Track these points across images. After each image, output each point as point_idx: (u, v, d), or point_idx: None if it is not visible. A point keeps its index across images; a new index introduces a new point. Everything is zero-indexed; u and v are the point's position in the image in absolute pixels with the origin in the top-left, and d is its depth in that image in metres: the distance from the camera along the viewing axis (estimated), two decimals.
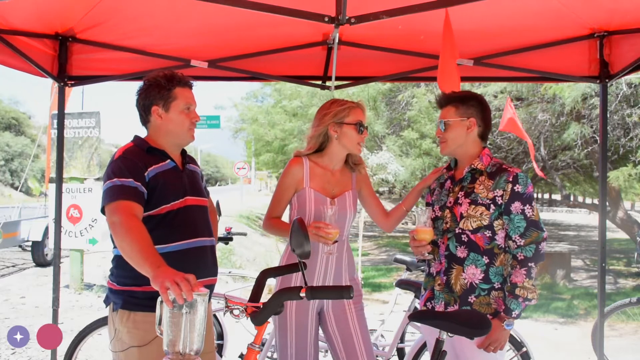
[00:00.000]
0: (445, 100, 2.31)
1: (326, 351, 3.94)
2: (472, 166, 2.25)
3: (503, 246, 2.18)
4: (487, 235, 2.16)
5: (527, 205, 2.12)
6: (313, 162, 2.44)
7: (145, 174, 2.01)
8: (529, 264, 2.10)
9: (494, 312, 2.15)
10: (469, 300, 2.17)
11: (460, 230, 2.20)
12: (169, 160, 2.12)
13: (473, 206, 2.17)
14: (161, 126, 2.12)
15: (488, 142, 2.38)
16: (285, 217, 2.50)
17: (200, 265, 2.09)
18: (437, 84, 2.82)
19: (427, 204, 2.43)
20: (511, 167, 2.20)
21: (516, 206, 2.12)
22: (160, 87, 2.09)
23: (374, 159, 9.71)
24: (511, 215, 2.13)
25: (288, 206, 2.49)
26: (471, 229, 2.17)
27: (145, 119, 2.16)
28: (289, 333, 2.38)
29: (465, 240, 2.19)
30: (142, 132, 2.22)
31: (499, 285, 2.17)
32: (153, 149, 2.10)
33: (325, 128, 2.40)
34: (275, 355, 3.65)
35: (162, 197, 2.03)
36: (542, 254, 2.12)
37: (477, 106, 2.26)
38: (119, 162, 2.01)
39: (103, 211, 1.95)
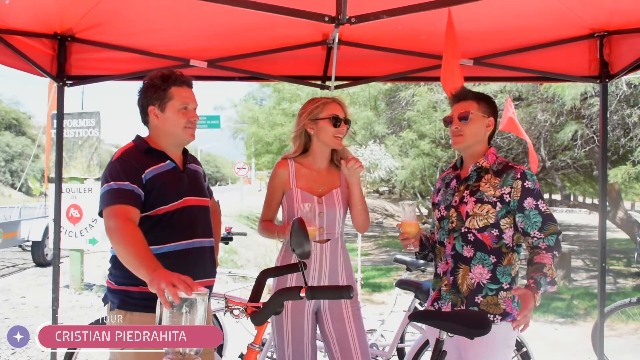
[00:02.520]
0: (465, 94, 2.25)
1: (326, 351, 3.94)
2: (478, 164, 2.23)
3: (511, 245, 2.16)
4: (495, 234, 2.14)
5: (540, 200, 2.11)
6: (299, 163, 2.48)
7: (143, 175, 2.01)
8: (554, 252, 2.07)
9: (503, 312, 2.12)
10: (476, 300, 2.14)
11: (466, 229, 2.17)
12: (168, 161, 2.11)
13: (479, 204, 2.15)
14: (159, 126, 2.13)
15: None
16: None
17: (198, 266, 2.08)
18: (441, 83, 2.82)
19: (433, 205, 2.41)
20: (517, 164, 2.20)
21: (529, 202, 2.10)
22: (156, 88, 2.09)
23: (367, 154, 9.60)
24: (525, 211, 2.10)
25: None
26: (477, 227, 2.15)
27: (144, 119, 2.17)
28: (285, 333, 2.39)
29: (472, 239, 2.16)
30: (143, 132, 2.22)
31: (508, 286, 2.14)
32: (152, 150, 2.10)
33: (303, 127, 2.45)
34: (275, 355, 3.64)
35: (159, 198, 2.03)
36: (561, 246, 2.11)
37: (493, 107, 2.25)
38: (116, 165, 2.02)
39: (101, 214, 1.96)
